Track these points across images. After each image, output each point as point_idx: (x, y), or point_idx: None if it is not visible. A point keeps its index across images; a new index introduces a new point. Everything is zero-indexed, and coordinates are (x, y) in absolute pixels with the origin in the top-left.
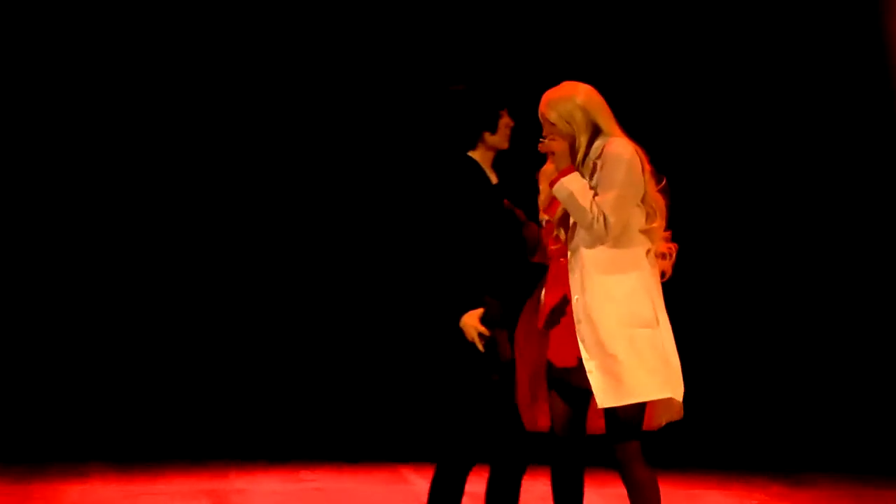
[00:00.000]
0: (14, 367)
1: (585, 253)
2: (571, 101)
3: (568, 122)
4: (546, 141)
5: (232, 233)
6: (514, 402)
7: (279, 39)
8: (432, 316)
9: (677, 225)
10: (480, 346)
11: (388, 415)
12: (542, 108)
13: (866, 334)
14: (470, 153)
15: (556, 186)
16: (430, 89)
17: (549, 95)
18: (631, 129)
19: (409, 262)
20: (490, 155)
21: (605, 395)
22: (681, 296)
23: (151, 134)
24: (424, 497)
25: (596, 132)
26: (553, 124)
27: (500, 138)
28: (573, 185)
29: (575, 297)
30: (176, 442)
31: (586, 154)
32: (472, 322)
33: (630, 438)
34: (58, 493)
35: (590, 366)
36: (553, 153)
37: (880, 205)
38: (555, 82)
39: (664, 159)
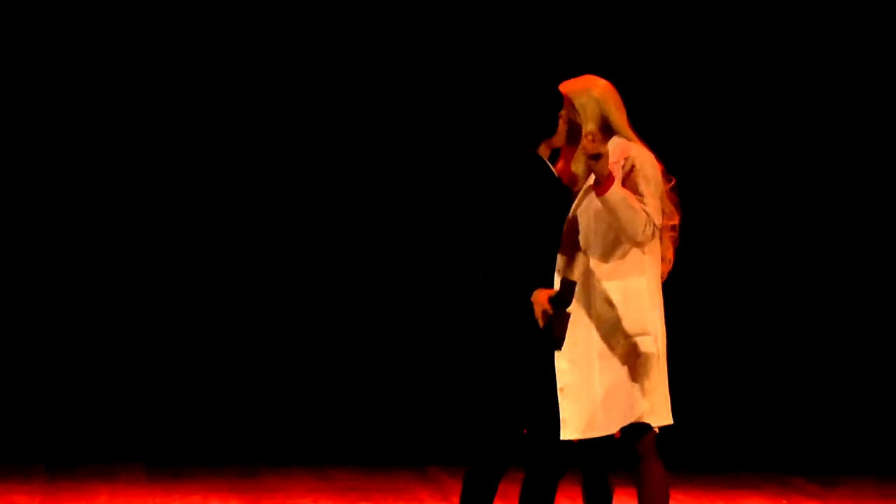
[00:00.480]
0: (41, 369)
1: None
2: (587, 92)
3: (579, 113)
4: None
5: (246, 234)
6: (555, 401)
7: (304, 39)
8: (500, 297)
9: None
10: (541, 323)
11: (415, 416)
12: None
13: (891, 336)
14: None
15: (608, 194)
16: (493, 89)
17: (569, 85)
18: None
19: (492, 259)
20: (548, 152)
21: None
22: (713, 298)
23: (152, 134)
24: (452, 496)
25: (606, 129)
26: (566, 113)
27: (560, 137)
28: (623, 192)
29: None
30: (205, 443)
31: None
32: (541, 299)
33: (646, 432)
34: (86, 495)
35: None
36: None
37: (882, 204)
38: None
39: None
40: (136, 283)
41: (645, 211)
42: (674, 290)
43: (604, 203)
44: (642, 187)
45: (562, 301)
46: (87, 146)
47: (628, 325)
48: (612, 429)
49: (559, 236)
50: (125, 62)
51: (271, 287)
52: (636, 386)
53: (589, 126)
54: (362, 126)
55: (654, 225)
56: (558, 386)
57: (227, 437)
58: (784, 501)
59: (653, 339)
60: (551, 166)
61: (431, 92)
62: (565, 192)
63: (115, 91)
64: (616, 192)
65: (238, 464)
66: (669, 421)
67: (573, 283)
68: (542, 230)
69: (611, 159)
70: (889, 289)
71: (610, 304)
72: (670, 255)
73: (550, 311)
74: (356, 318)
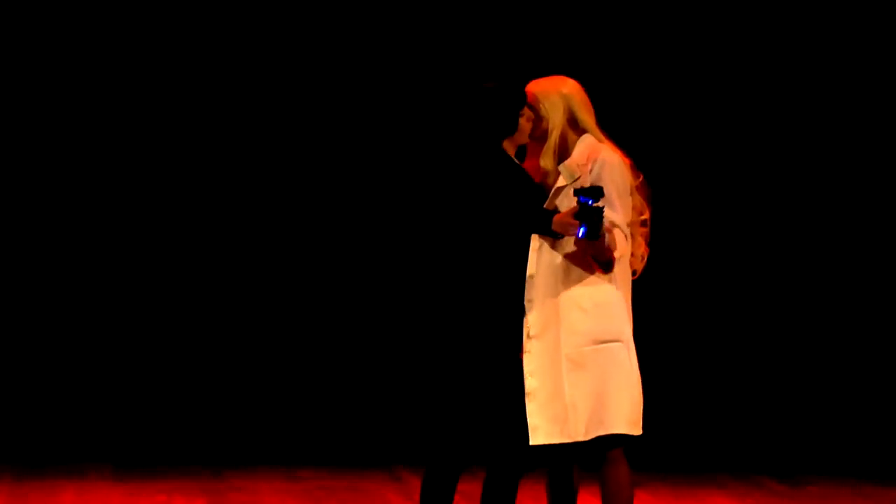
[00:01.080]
0: (10, 368)
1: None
2: (556, 90)
3: (544, 106)
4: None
5: (228, 232)
6: (521, 400)
7: (291, 38)
8: (468, 294)
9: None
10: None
11: (381, 417)
12: (528, 91)
13: (862, 336)
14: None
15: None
16: (458, 85)
17: (537, 81)
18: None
19: (458, 255)
20: (513, 149)
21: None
22: (679, 297)
23: (151, 133)
24: (417, 495)
25: (574, 126)
26: (532, 108)
27: (522, 134)
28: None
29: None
30: (172, 442)
31: (561, 148)
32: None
33: (616, 439)
34: (54, 493)
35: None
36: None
37: (874, 206)
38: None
39: (657, 159)
40: (106, 284)
41: (620, 228)
42: (640, 290)
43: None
44: (608, 195)
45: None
46: (86, 146)
47: (599, 332)
48: (583, 436)
49: (528, 229)
50: (124, 61)
51: (239, 290)
52: (607, 394)
53: (555, 125)
54: (357, 127)
55: (626, 234)
56: (526, 390)
57: (195, 437)
58: (751, 501)
59: (623, 347)
60: (517, 161)
61: (417, 90)
62: (532, 185)
63: (114, 90)
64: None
65: (205, 464)
66: (638, 431)
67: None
68: (508, 223)
69: (580, 159)
70: (853, 288)
71: (580, 309)
72: (643, 251)
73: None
74: (325, 322)
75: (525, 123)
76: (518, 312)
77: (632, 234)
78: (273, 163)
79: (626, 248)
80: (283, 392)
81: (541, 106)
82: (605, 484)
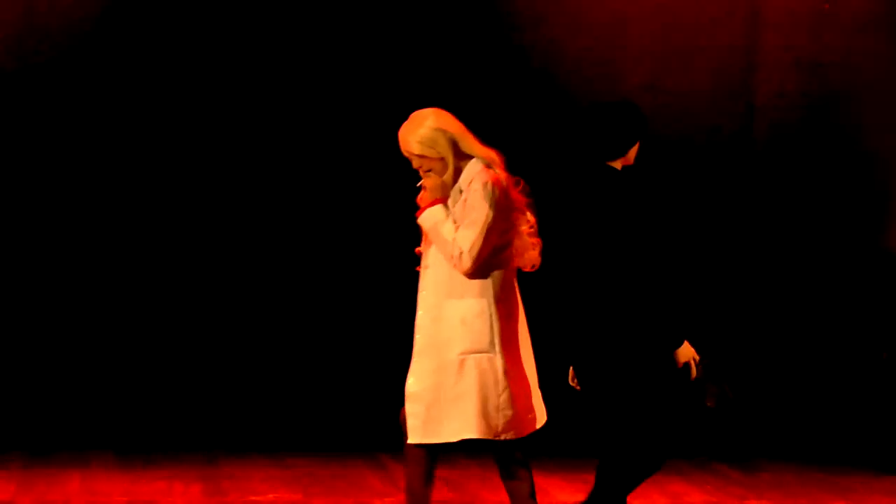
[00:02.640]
0: (14, 357)
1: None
2: (426, 127)
3: (432, 147)
4: (423, 177)
5: (221, 226)
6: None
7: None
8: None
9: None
10: (695, 373)
11: (366, 405)
12: (403, 143)
13: (813, 323)
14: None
15: (421, 217)
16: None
17: (405, 129)
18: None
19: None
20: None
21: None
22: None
23: (150, 132)
24: (400, 480)
25: (458, 152)
26: (421, 156)
27: (632, 156)
28: (436, 217)
29: (420, 313)
30: (169, 431)
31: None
32: (689, 352)
33: (508, 444)
34: (61, 480)
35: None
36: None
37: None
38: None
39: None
40: (106, 275)
41: (458, 241)
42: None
43: (421, 225)
44: (466, 217)
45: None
46: (85, 145)
47: (466, 343)
48: (453, 437)
49: (654, 240)
50: (122, 59)
51: (230, 280)
52: (478, 401)
53: (450, 159)
54: (358, 123)
55: (463, 255)
56: (406, 391)
57: (191, 426)
58: (709, 488)
59: (494, 357)
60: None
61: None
62: (648, 204)
63: (113, 90)
64: (427, 217)
65: (201, 452)
66: (522, 434)
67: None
68: (638, 239)
69: (462, 182)
70: (801, 277)
71: (454, 320)
72: (534, 256)
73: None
74: (313, 314)
75: (425, 180)
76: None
77: (519, 240)
78: (286, 157)
79: (464, 267)
80: (271, 383)
81: (427, 150)
82: (509, 485)
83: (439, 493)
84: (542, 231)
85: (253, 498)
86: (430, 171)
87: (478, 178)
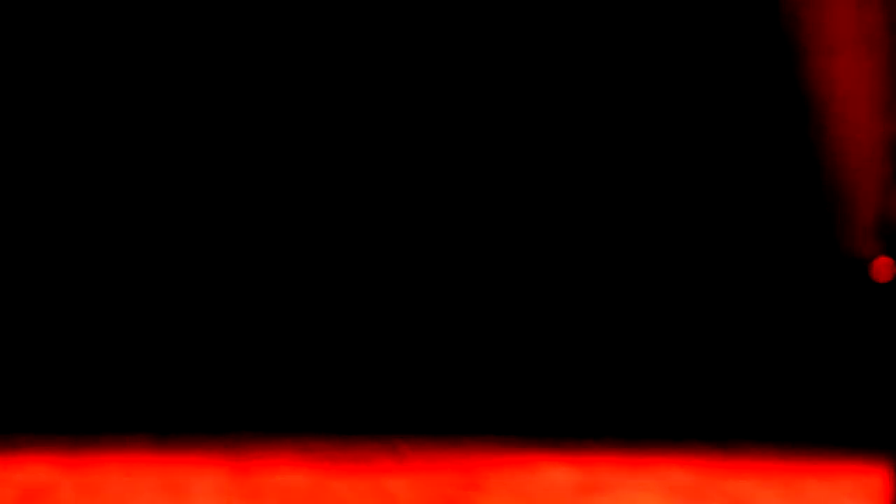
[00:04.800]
0: (49, 340)
1: None
2: None
3: None
4: None
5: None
6: None
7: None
8: None
9: None
10: None
11: (383, 391)
12: None
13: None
14: None
15: None
16: None
17: None
18: None
19: None
20: None
21: None
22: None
23: (149, 130)
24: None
25: None
26: None
27: None
28: None
29: None
30: (194, 413)
31: None
32: None
33: None
34: (100, 465)
35: None
36: None
37: None
38: None
39: None
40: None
41: None
42: None
43: None
44: None
45: None
46: (84, 143)
47: None
48: None
49: None
50: (120, 56)
51: (258, 264)
52: None
53: None
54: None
55: None
56: None
57: (217, 411)
58: (688, 466)
59: None
60: None
61: None
62: None
63: (112, 88)
64: None
65: (227, 433)
66: None
67: None
68: None
69: None
70: (730, 248)
71: None
72: None
73: None
74: (333, 296)
75: None
76: None
77: None
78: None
79: None
80: (294, 366)
81: None
82: None
83: None
84: None
85: (277, 478)
86: None
87: None
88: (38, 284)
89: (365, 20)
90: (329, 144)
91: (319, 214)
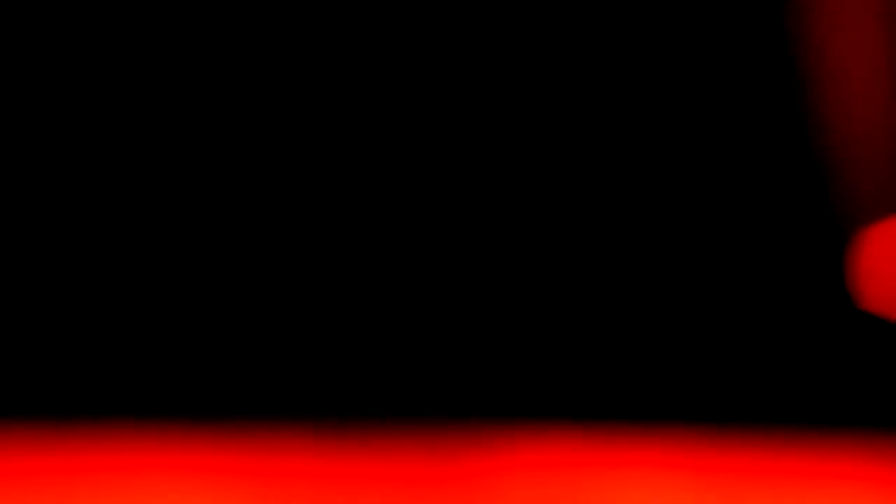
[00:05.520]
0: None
1: None
2: None
3: None
4: None
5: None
6: None
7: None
8: None
9: None
10: None
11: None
12: None
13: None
14: None
15: None
16: None
17: None
18: None
19: None
20: None
21: None
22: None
23: (148, 129)
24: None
25: None
26: None
27: None
28: None
29: None
30: (204, 396)
31: None
32: None
33: None
34: (88, 449)
35: None
36: None
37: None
38: None
39: None
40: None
41: None
42: None
43: None
44: None
45: None
46: (82, 142)
47: None
48: None
49: None
50: (121, 59)
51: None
52: None
53: None
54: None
55: None
56: None
57: (218, 392)
58: (668, 449)
59: None
60: None
61: None
62: None
63: (110, 88)
64: None
65: (229, 416)
66: None
67: None
68: None
69: None
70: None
71: None
72: None
73: None
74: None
75: None
76: None
77: None
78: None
79: None
80: (293, 349)
81: None
82: None
83: None
84: None
85: (279, 462)
86: None
87: None
88: (38, 284)
89: (365, 20)
90: (329, 144)
91: (317, 210)
